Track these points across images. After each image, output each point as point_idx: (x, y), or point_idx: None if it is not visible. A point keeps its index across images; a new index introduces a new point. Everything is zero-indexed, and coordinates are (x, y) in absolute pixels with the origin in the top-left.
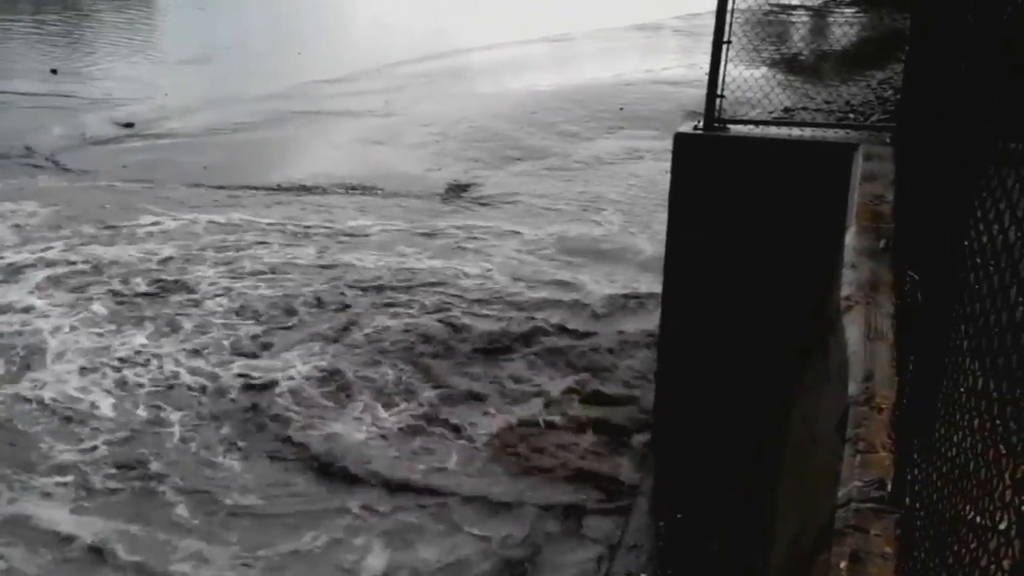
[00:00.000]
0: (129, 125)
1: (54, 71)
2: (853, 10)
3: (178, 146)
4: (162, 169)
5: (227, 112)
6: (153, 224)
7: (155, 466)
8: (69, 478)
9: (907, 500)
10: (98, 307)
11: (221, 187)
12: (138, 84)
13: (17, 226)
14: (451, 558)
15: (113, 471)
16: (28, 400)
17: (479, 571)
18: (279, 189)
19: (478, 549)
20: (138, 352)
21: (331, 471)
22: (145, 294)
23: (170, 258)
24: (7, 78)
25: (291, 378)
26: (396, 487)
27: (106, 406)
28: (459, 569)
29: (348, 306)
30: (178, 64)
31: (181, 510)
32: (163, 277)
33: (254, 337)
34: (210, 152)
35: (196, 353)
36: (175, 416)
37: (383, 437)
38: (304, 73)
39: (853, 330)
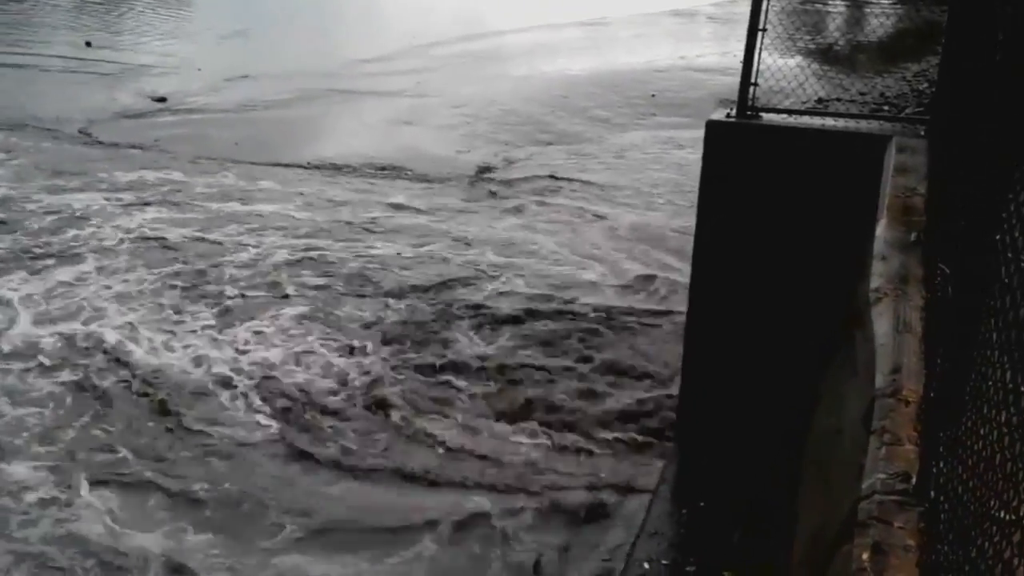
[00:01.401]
0: (162, 100)
1: (88, 43)
2: (890, 1)
3: (210, 121)
4: (192, 143)
5: (260, 89)
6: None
7: None
8: None
9: (931, 493)
10: None
11: (252, 163)
12: (172, 59)
13: None
14: None
15: None
16: None
17: None
18: (308, 166)
19: None
20: None
21: None
22: None
23: None
24: (42, 50)
25: None
26: None
27: None
28: None
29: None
30: (213, 40)
31: None
32: None
33: None
34: (242, 128)
35: None
36: None
37: None
38: (338, 52)
39: (882, 323)
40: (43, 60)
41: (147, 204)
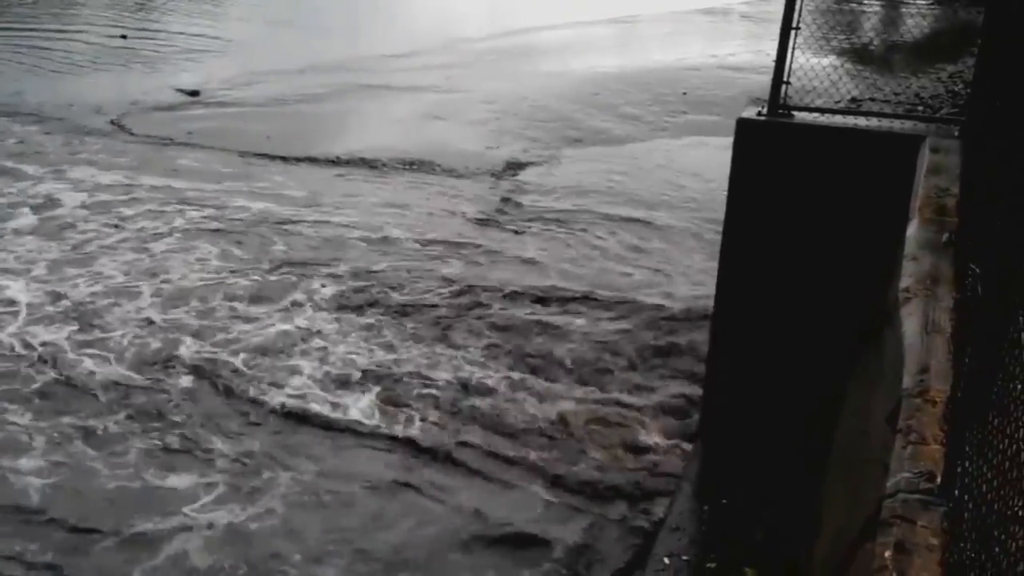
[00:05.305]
0: (195, 93)
1: (123, 36)
2: (926, 1)
3: (243, 115)
4: (225, 137)
5: (292, 83)
6: None
7: None
8: None
9: (956, 492)
10: None
11: (283, 157)
12: (205, 52)
13: None
14: None
15: None
16: None
17: None
18: (338, 161)
19: None
20: None
21: None
22: None
23: None
24: (76, 43)
25: None
26: None
27: None
28: None
29: None
30: (246, 34)
31: None
32: None
33: None
34: (274, 122)
35: None
36: None
37: None
38: (371, 47)
39: (910, 322)
40: (74, 52)
41: None
